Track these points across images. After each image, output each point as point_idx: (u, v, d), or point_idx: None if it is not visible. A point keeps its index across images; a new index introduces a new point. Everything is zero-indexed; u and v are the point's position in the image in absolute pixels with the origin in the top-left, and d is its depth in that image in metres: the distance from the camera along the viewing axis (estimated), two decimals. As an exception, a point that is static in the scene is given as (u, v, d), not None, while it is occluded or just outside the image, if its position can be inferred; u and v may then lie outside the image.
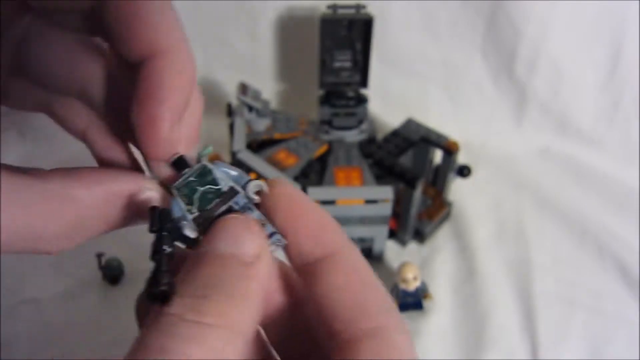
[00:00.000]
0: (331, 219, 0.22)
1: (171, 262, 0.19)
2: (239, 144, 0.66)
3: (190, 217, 0.20)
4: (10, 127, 0.84)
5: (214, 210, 0.21)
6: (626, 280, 0.65)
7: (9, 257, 0.65)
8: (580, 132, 0.83)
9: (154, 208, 0.20)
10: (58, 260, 0.66)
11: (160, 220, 0.20)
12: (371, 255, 0.67)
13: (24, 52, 0.22)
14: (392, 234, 0.69)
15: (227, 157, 0.66)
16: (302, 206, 0.21)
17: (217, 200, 0.21)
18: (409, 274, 0.59)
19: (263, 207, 0.21)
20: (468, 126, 0.85)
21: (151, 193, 0.22)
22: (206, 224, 0.20)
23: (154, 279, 0.18)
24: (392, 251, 0.69)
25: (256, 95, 0.70)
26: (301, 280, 0.21)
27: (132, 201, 0.21)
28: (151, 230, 0.20)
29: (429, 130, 0.69)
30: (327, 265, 0.20)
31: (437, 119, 0.79)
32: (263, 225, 0.21)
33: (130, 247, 0.67)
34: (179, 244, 0.20)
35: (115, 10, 0.19)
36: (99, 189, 0.21)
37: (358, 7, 0.65)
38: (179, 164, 0.21)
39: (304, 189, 0.60)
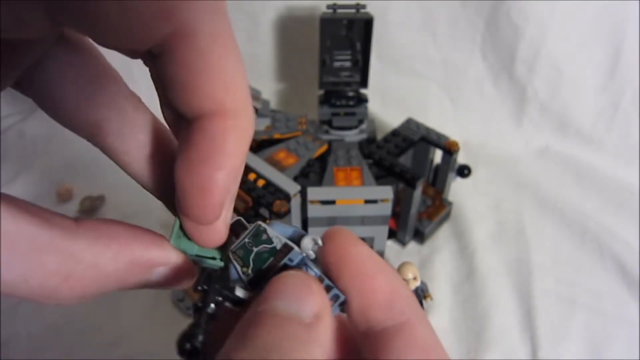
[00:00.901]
0: (402, 282, 0.20)
1: (212, 323, 0.18)
2: (239, 144, 0.66)
3: (246, 279, 0.20)
4: (11, 127, 0.84)
5: (269, 269, 0.20)
6: (626, 280, 0.65)
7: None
8: (580, 132, 0.83)
9: (204, 269, 0.21)
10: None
11: (208, 280, 0.19)
12: (371, 255, 0.67)
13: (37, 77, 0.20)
14: (392, 234, 0.69)
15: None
16: (372, 265, 0.19)
17: (272, 259, 0.20)
18: (409, 274, 0.59)
19: (322, 262, 0.20)
20: (468, 126, 0.85)
21: (163, 270, 0.20)
22: (262, 283, 0.20)
23: (189, 332, 0.17)
24: (392, 251, 0.69)
25: (256, 95, 0.70)
26: (364, 347, 0.19)
27: (151, 270, 0.20)
28: (196, 289, 0.19)
29: (429, 130, 0.69)
30: (399, 338, 0.18)
31: (437, 119, 0.79)
32: (321, 280, 0.20)
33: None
34: (229, 304, 0.20)
35: (184, 60, 0.17)
36: (125, 258, 0.19)
37: (358, 7, 0.65)
38: (237, 227, 0.21)
39: (304, 190, 0.61)
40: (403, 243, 0.69)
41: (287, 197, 0.60)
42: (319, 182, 0.64)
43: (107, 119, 0.20)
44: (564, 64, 0.79)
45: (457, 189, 0.74)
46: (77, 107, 0.20)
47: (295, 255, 0.20)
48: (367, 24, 0.66)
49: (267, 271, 0.20)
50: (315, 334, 0.17)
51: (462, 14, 0.79)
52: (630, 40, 0.76)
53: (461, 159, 0.71)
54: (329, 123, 0.71)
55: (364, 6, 0.65)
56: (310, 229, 0.63)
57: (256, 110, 0.69)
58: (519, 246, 0.69)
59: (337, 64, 0.70)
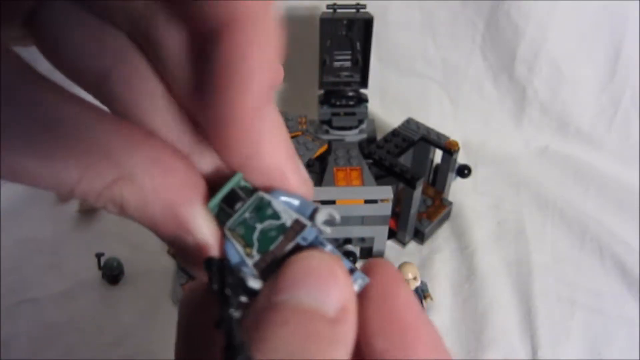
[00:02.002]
0: (441, 337, 0.17)
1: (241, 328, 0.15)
2: (239, 144, 0.66)
3: (250, 262, 0.17)
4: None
5: (279, 250, 0.17)
6: (626, 280, 0.65)
7: (9, 258, 0.65)
8: (580, 132, 0.83)
9: (210, 260, 0.16)
10: (58, 260, 0.66)
11: (221, 276, 0.16)
12: (371, 255, 0.67)
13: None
14: (392, 234, 0.69)
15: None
16: (417, 314, 0.17)
17: (282, 237, 0.17)
18: (409, 274, 0.59)
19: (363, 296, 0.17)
20: (468, 126, 0.85)
21: (204, 236, 0.17)
22: (271, 267, 0.17)
23: (228, 356, 0.14)
24: (392, 251, 0.69)
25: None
26: None
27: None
28: (211, 290, 0.16)
29: (429, 130, 0.69)
30: None
31: (437, 119, 0.79)
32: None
33: (130, 247, 0.67)
34: (241, 297, 0.16)
35: None
36: (166, 205, 0.17)
37: (358, 7, 0.65)
38: (230, 197, 0.17)
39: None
40: (403, 243, 0.69)
41: (287, 197, 0.60)
42: (319, 182, 0.64)
43: (115, 66, 0.18)
44: (564, 64, 0.79)
45: (457, 189, 0.74)
46: (83, 52, 0.18)
47: (310, 233, 0.17)
48: (367, 24, 0.66)
49: (274, 253, 0.17)
50: (341, 332, 0.15)
51: (462, 14, 0.79)
52: (630, 40, 0.76)
53: (461, 159, 0.71)
54: (329, 123, 0.71)
55: (364, 6, 0.65)
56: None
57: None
58: (519, 246, 0.69)
59: (337, 64, 0.70)
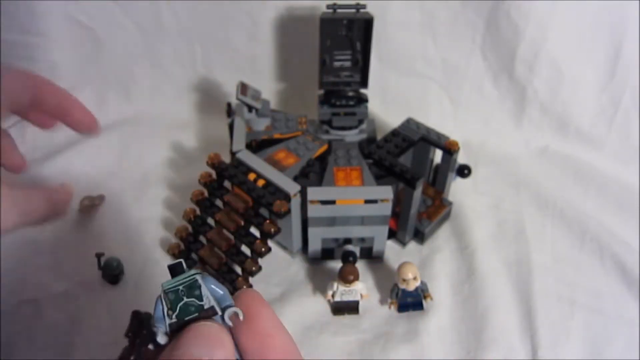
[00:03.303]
0: (294, 343, 0.24)
1: None
2: (239, 143, 0.67)
3: (167, 321, 0.22)
4: (10, 128, 0.84)
5: (190, 320, 0.22)
6: (626, 280, 0.65)
7: (9, 258, 0.65)
8: (580, 132, 0.83)
9: (136, 313, 0.23)
10: (58, 260, 0.66)
11: (139, 327, 0.23)
12: (371, 255, 0.67)
13: None
14: (392, 234, 0.69)
15: (227, 157, 0.66)
16: (272, 326, 0.23)
17: (196, 315, 0.22)
18: (409, 274, 0.59)
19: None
20: (468, 126, 0.85)
21: None
22: (179, 328, 0.22)
23: None
24: (392, 251, 0.69)
25: (256, 95, 0.70)
26: None
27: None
28: (126, 335, 0.23)
29: (429, 130, 0.69)
30: None
31: (437, 119, 0.79)
32: None
33: (129, 247, 0.67)
34: (151, 347, 0.22)
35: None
36: None
37: (358, 7, 0.65)
38: (176, 269, 0.23)
39: (304, 189, 0.61)
40: (403, 243, 0.69)
41: (287, 197, 0.60)
42: (319, 182, 0.64)
43: None
44: (564, 64, 0.79)
45: (457, 189, 0.74)
46: None
47: (217, 320, 0.23)
48: (367, 23, 0.66)
49: (188, 321, 0.22)
50: None
51: (462, 14, 0.79)
52: (630, 40, 0.76)
53: (461, 159, 0.71)
54: (329, 123, 0.71)
55: (364, 6, 0.65)
56: (310, 229, 0.63)
57: (256, 110, 0.69)
58: (519, 246, 0.69)
59: (337, 64, 0.70)
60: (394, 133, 0.68)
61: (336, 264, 0.64)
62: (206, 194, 0.65)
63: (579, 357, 0.58)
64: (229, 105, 0.72)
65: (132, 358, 0.22)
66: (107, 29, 0.82)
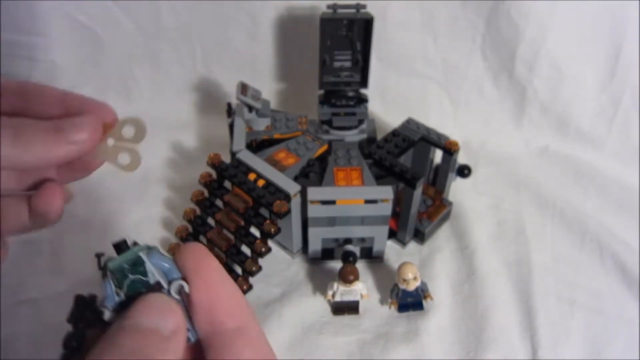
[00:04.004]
0: (241, 293, 0.25)
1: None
2: (239, 143, 0.67)
3: (117, 299, 0.23)
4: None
5: (138, 296, 0.23)
6: (626, 280, 0.65)
7: (9, 258, 0.65)
8: (580, 132, 0.83)
9: (78, 297, 0.23)
10: (58, 260, 0.66)
11: (82, 310, 0.23)
12: (371, 255, 0.67)
13: None
14: (392, 234, 0.69)
15: (227, 157, 0.66)
16: (219, 276, 0.24)
17: (143, 290, 0.23)
18: (409, 274, 0.59)
19: (181, 269, 0.24)
20: (468, 126, 0.85)
21: None
22: (129, 305, 0.22)
23: None
24: (392, 251, 0.69)
25: (256, 95, 0.70)
26: (209, 347, 0.23)
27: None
28: (70, 320, 0.23)
29: (429, 130, 0.69)
30: (238, 338, 0.23)
31: (437, 119, 0.79)
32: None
33: (130, 247, 0.67)
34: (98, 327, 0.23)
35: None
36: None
37: (358, 7, 0.65)
38: (120, 247, 0.24)
39: (304, 190, 0.61)
40: (403, 243, 0.69)
41: (287, 197, 0.60)
42: (319, 182, 0.64)
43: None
44: (564, 64, 0.79)
45: (457, 189, 0.74)
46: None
47: (164, 292, 0.23)
48: (367, 23, 0.66)
49: (136, 297, 0.23)
50: (172, 345, 0.22)
51: (462, 14, 0.79)
52: (630, 40, 0.76)
53: (461, 159, 0.71)
54: (329, 123, 0.71)
55: (364, 6, 0.65)
56: (310, 229, 0.63)
57: (256, 110, 0.69)
58: (519, 246, 0.69)
59: (337, 64, 0.70)
60: (394, 133, 0.68)
61: (336, 264, 0.64)
62: (206, 194, 0.65)
63: (579, 357, 0.58)
64: (229, 105, 0.72)
65: (73, 343, 0.22)
66: (107, 29, 0.82)
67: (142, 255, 0.23)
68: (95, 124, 0.27)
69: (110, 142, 0.28)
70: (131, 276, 0.23)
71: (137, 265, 0.23)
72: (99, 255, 0.24)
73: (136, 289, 0.23)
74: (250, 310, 0.24)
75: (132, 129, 0.28)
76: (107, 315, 0.22)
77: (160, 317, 0.22)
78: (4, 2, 0.75)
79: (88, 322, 0.23)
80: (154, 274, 0.23)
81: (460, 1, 0.78)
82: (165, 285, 0.23)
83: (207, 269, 0.24)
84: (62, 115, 0.27)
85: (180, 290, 0.23)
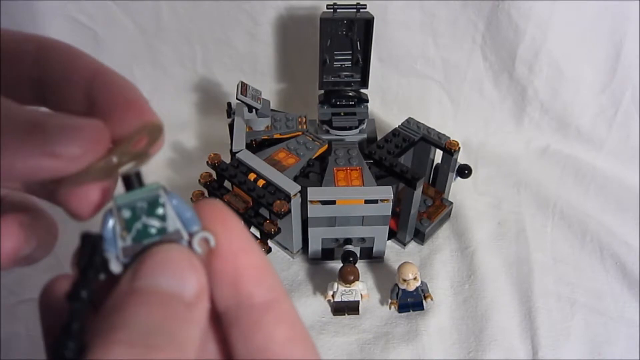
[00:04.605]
0: (269, 262, 0.20)
1: (86, 315, 0.17)
2: (239, 143, 0.66)
3: (120, 245, 0.18)
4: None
5: (149, 245, 0.18)
6: (626, 280, 0.65)
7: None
8: (580, 132, 0.83)
9: (87, 235, 0.18)
10: (57, 260, 0.66)
11: (92, 253, 0.17)
12: (371, 255, 0.67)
13: None
14: (392, 234, 0.69)
15: (227, 157, 0.66)
16: (246, 241, 0.19)
17: (158, 238, 0.18)
18: (409, 274, 0.59)
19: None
20: (468, 126, 0.85)
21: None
22: (136, 254, 0.18)
23: (59, 341, 0.16)
24: (392, 251, 0.69)
25: (256, 95, 0.70)
26: (233, 322, 0.19)
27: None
28: (77, 264, 0.17)
29: (429, 130, 0.69)
30: (269, 313, 0.19)
31: (437, 119, 0.79)
32: None
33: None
34: (101, 276, 0.18)
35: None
36: None
37: (358, 7, 0.65)
38: (132, 180, 0.18)
39: (304, 190, 0.60)
40: (403, 243, 0.69)
41: (287, 197, 0.60)
42: (319, 182, 0.64)
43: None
44: (564, 64, 0.79)
45: (457, 189, 0.74)
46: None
47: (183, 244, 0.18)
48: (367, 23, 0.66)
49: (145, 246, 0.18)
50: (196, 315, 0.17)
51: (462, 14, 0.79)
52: (630, 40, 0.76)
53: (461, 159, 0.71)
54: (329, 123, 0.71)
55: (364, 6, 0.65)
56: (310, 229, 0.63)
57: (256, 110, 0.69)
58: (519, 246, 0.69)
59: (337, 64, 0.70)
60: (394, 133, 0.68)
61: (336, 264, 0.64)
62: (206, 194, 0.65)
63: (579, 357, 0.58)
64: (229, 105, 0.72)
65: (83, 293, 0.17)
66: (107, 29, 0.82)
67: (162, 194, 0.18)
68: (98, 133, 0.18)
69: (115, 159, 0.19)
70: (145, 218, 0.18)
71: (155, 206, 0.18)
72: (86, 236, 0.18)
73: (148, 235, 0.18)
74: (280, 281, 0.20)
75: (145, 137, 0.20)
76: (113, 265, 0.18)
77: (182, 277, 0.17)
78: (4, 2, 0.75)
79: (97, 270, 0.17)
80: (174, 220, 0.18)
81: (460, 1, 0.78)
82: (185, 235, 0.18)
83: (233, 229, 0.19)
84: (86, 108, 0.20)
85: (204, 246, 0.18)
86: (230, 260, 0.18)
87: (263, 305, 0.19)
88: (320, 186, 0.63)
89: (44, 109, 0.21)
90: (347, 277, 0.59)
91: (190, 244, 0.18)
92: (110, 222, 0.18)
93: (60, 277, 0.20)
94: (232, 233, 0.19)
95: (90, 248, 0.18)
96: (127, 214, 0.18)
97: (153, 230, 0.18)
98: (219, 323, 0.19)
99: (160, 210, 0.18)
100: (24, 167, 0.17)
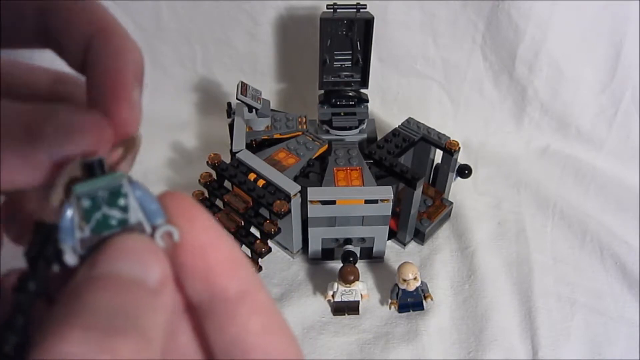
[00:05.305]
0: (242, 251, 0.19)
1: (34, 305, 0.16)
2: (239, 143, 0.66)
3: (78, 236, 0.17)
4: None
5: (107, 237, 0.17)
6: (626, 280, 0.65)
7: (9, 258, 0.65)
8: (581, 132, 0.83)
9: (40, 224, 0.17)
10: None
11: (44, 243, 0.16)
12: (371, 255, 0.67)
13: None
14: (392, 234, 0.69)
15: (227, 157, 0.66)
16: (215, 233, 0.18)
17: (118, 229, 0.17)
18: (409, 274, 0.59)
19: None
20: (468, 126, 0.85)
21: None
22: (94, 246, 0.17)
23: (5, 331, 0.15)
24: (392, 251, 0.69)
25: (256, 95, 0.70)
26: (206, 315, 0.18)
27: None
28: (27, 254, 0.16)
29: (429, 130, 0.69)
30: (244, 305, 0.18)
31: (437, 119, 0.79)
32: None
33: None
34: (54, 267, 0.17)
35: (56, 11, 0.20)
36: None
37: (358, 7, 0.65)
38: (94, 167, 0.17)
39: (304, 190, 0.60)
40: (403, 243, 0.69)
41: (287, 197, 0.60)
42: (319, 182, 0.64)
43: None
44: (564, 64, 0.79)
45: (457, 189, 0.74)
46: None
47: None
48: (367, 23, 0.66)
49: (104, 237, 0.17)
50: (161, 301, 0.16)
51: (462, 14, 0.79)
52: (630, 40, 0.76)
53: (461, 159, 0.71)
54: (329, 123, 0.71)
55: (364, 6, 0.65)
56: (310, 229, 0.63)
57: (256, 110, 0.69)
58: (519, 246, 0.69)
59: (337, 64, 0.70)
60: (394, 133, 0.68)
61: (336, 264, 0.64)
62: (206, 194, 0.65)
63: (579, 357, 0.58)
64: (229, 105, 0.72)
65: (30, 285, 0.16)
66: (107, 29, 0.82)
67: (126, 184, 0.17)
68: (99, 133, 0.18)
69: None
70: (106, 209, 0.17)
71: (117, 196, 0.17)
72: (39, 225, 0.17)
73: (108, 226, 0.17)
74: (254, 272, 0.19)
75: (120, 150, 0.19)
76: (68, 256, 0.17)
77: (144, 264, 0.16)
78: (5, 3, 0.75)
79: (48, 261, 0.16)
80: (136, 212, 0.17)
81: (460, 1, 0.78)
82: (147, 228, 0.17)
83: (201, 221, 0.18)
84: (81, 62, 0.20)
85: (167, 240, 0.17)
86: (198, 255, 0.18)
87: (236, 297, 0.18)
88: (320, 186, 0.63)
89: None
90: (347, 277, 0.59)
91: (151, 237, 0.17)
92: (69, 212, 0.17)
93: (14, 270, 0.19)
94: (198, 227, 0.18)
95: (42, 238, 0.17)
96: (86, 203, 0.17)
97: (113, 222, 0.17)
98: (195, 315, 0.18)
99: (122, 201, 0.17)
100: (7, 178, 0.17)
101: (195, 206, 0.18)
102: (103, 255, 0.16)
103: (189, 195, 0.19)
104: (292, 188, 0.60)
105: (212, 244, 0.18)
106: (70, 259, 0.17)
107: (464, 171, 0.70)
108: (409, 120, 0.70)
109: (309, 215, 0.61)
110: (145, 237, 0.17)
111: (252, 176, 0.62)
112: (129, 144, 0.19)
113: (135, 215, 0.17)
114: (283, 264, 0.67)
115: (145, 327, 0.15)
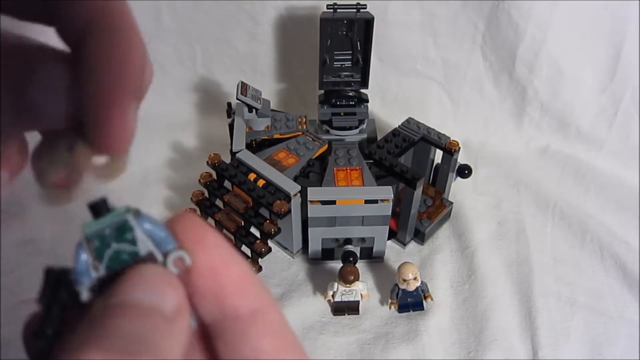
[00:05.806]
0: (252, 270, 0.20)
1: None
2: (239, 143, 0.66)
3: (94, 275, 0.18)
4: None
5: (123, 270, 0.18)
6: (626, 280, 0.65)
7: (9, 258, 0.65)
8: (581, 132, 0.83)
9: (50, 271, 0.18)
10: (57, 260, 0.66)
11: (54, 290, 0.17)
12: (371, 255, 0.67)
13: None
14: (392, 234, 0.69)
15: (227, 157, 0.66)
16: (225, 253, 0.19)
17: (131, 263, 0.18)
18: (409, 274, 0.59)
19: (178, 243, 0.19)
20: (468, 126, 0.85)
21: None
22: (104, 279, 0.18)
23: None
24: (392, 251, 0.69)
25: (256, 95, 0.70)
26: (219, 335, 0.19)
27: None
28: (41, 300, 0.17)
29: (429, 130, 0.69)
30: (255, 324, 0.18)
31: (437, 119, 0.79)
32: None
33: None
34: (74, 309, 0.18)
35: None
36: None
37: (358, 7, 0.65)
38: (99, 207, 0.18)
39: (304, 190, 0.60)
40: (403, 243, 0.69)
41: (287, 197, 0.60)
42: (319, 182, 0.64)
43: None
44: (564, 64, 0.79)
45: (457, 189, 0.74)
46: None
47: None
48: (367, 23, 0.66)
49: (120, 272, 0.18)
50: (177, 328, 0.17)
51: (462, 14, 0.79)
52: (630, 40, 0.76)
53: (461, 159, 0.71)
54: (329, 123, 0.71)
55: (364, 6, 0.65)
56: (310, 229, 0.63)
57: (256, 110, 0.69)
58: (519, 246, 0.69)
59: (337, 64, 0.70)
60: (394, 133, 0.68)
61: (336, 264, 0.64)
62: (206, 194, 0.65)
63: (579, 357, 0.58)
64: (229, 105, 0.72)
65: (48, 331, 0.17)
66: (107, 29, 0.82)
67: (130, 218, 0.18)
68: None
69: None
70: (115, 245, 0.18)
71: (124, 231, 0.18)
72: (49, 272, 0.18)
73: (121, 261, 0.18)
74: (266, 290, 0.19)
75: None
76: (84, 295, 0.17)
77: (159, 293, 0.17)
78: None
79: (63, 304, 0.17)
80: (145, 243, 0.18)
81: (460, 1, 0.78)
82: (159, 257, 0.18)
83: (210, 243, 0.19)
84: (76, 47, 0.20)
85: (179, 265, 0.18)
86: (209, 276, 0.18)
87: (248, 316, 0.18)
88: (320, 186, 0.63)
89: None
90: (347, 277, 0.59)
91: (164, 264, 0.18)
92: (83, 255, 0.18)
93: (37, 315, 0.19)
94: (208, 248, 0.19)
95: (53, 283, 0.18)
96: (96, 243, 0.18)
97: (125, 256, 0.18)
98: (207, 334, 0.19)
99: (129, 235, 0.18)
100: None
101: (203, 227, 0.19)
102: (121, 286, 0.17)
103: (195, 216, 0.19)
104: (292, 188, 0.60)
105: (222, 263, 0.19)
106: (86, 297, 0.17)
107: (464, 171, 0.70)
108: (409, 120, 0.70)
109: (309, 215, 0.61)
110: (159, 267, 0.18)
111: (252, 176, 0.62)
112: (112, 167, 0.20)
113: (145, 246, 0.18)
114: (283, 264, 0.67)
115: (163, 351, 0.16)
